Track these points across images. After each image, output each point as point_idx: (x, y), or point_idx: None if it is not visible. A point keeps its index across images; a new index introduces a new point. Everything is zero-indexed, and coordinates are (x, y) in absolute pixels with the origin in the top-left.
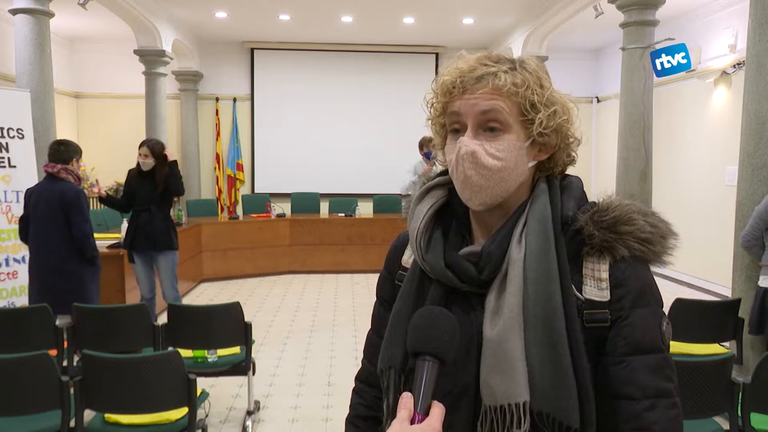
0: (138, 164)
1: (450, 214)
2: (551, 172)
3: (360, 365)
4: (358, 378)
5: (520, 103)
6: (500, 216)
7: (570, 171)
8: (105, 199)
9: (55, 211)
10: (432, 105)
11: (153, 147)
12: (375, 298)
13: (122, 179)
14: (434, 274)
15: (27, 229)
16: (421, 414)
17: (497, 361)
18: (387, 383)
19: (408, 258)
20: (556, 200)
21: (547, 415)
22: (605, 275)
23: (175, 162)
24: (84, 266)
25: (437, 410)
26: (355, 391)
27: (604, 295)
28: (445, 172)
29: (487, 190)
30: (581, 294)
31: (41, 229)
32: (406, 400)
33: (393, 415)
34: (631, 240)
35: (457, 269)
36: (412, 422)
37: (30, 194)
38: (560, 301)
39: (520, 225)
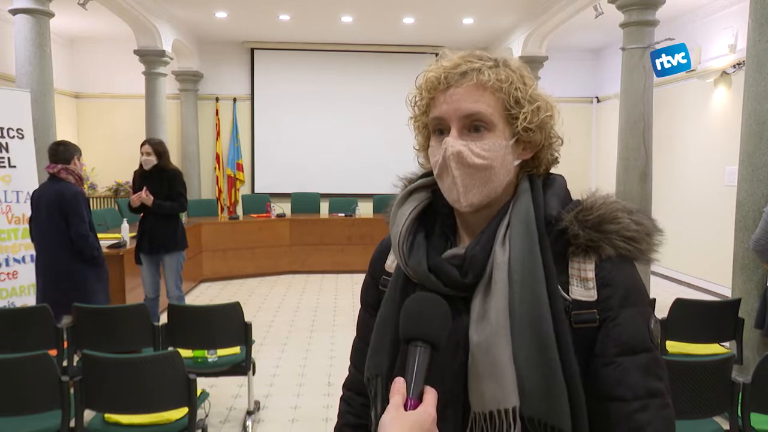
0: (141, 165)
1: (433, 216)
2: (535, 171)
3: None
4: (346, 386)
5: (504, 99)
6: (486, 216)
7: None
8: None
9: (55, 212)
10: (415, 103)
11: (155, 145)
12: None
13: (122, 179)
14: (418, 279)
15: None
16: (414, 399)
17: (485, 366)
18: (374, 391)
19: (391, 263)
20: (540, 200)
21: (538, 420)
22: (591, 275)
23: (152, 201)
24: (87, 267)
25: (431, 396)
26: (342, 399)
27: (591, 295)
28: (426, 174)
29: (475, 190)
30: (568, 295)
31: (44, 230)
32: (399, 385)
33: None
34: (616, 239)
35: (441, 273)
36: (405, 407)
37: (33, 196)
38: (547, 303)
39: (504, 226)
